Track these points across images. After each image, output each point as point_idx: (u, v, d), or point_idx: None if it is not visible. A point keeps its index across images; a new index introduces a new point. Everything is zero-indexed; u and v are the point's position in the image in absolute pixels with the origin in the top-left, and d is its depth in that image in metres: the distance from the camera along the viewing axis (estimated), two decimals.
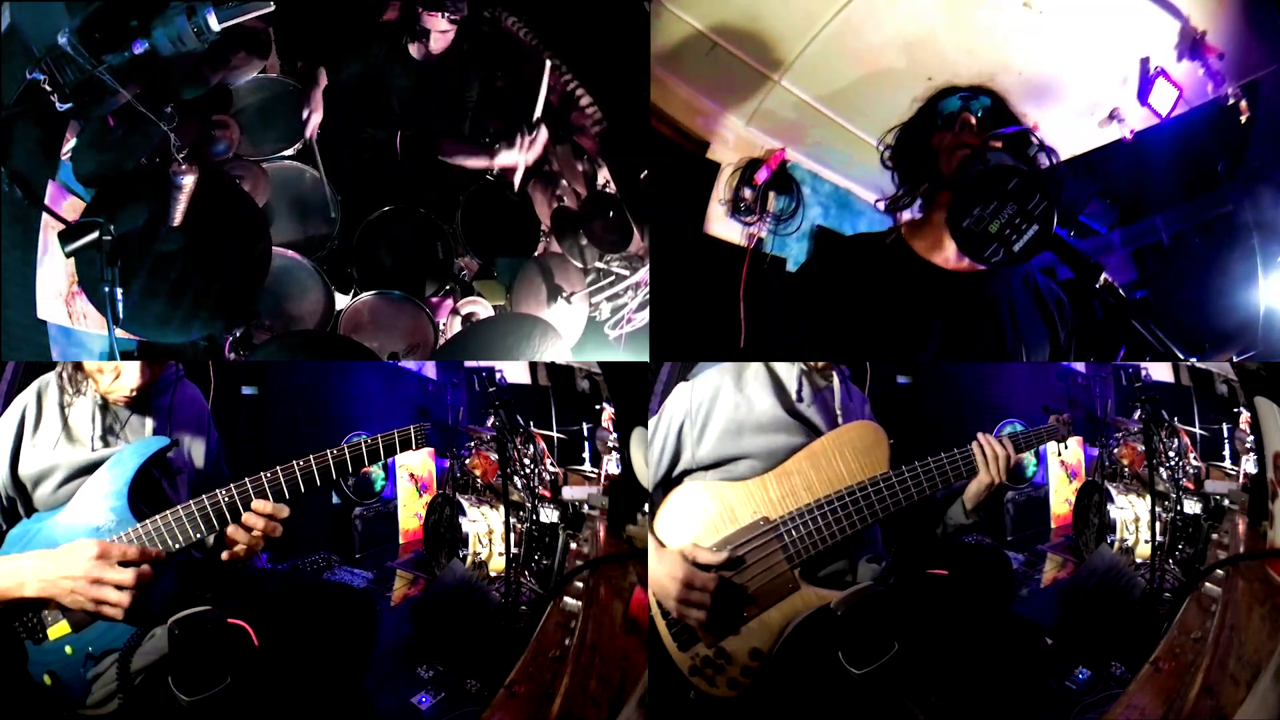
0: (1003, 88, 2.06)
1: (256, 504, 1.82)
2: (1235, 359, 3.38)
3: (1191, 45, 3.30)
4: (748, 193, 4.00)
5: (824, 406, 2.04)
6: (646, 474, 1.99)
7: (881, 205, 2.14)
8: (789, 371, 2.03)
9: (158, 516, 1.80)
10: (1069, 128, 3.66)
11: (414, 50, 3.48)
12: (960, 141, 1.95)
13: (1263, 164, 3.74)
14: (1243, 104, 3.58)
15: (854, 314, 1.97)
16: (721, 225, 4.05)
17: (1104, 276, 1.66)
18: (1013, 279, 1.99)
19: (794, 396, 2.01)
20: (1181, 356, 1.65)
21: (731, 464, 1.97)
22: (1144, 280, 4.29)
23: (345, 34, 3.53)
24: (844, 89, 3.63)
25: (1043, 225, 1.65)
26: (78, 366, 1.99)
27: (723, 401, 1.98)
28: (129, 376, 1.95)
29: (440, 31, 3.38)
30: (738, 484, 1.93)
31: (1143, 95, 3.44)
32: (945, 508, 2.09)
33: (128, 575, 1.68)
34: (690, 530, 1.91)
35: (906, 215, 2.10)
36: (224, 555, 1.85)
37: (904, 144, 2.12)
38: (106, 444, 1.95)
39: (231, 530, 1.82)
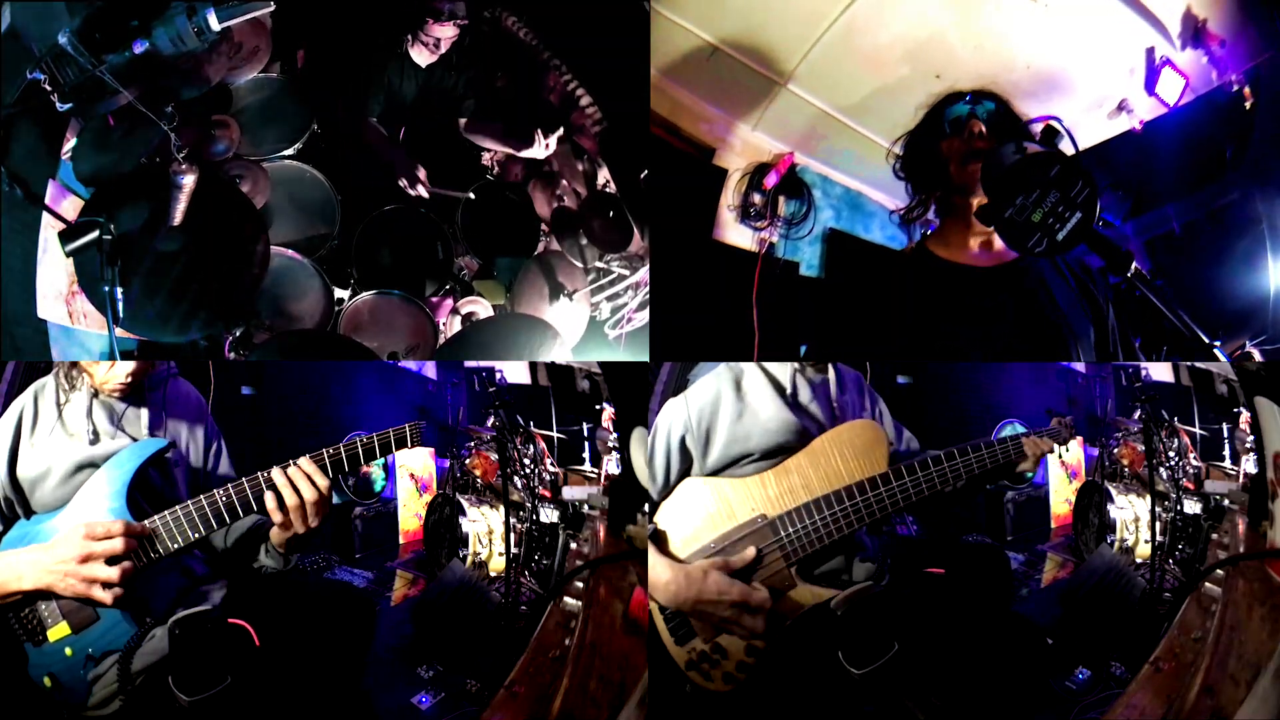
0: (1006, 90, 2.06)
1: (303, 462, 1.85)
2: (1249, 344, 3.37)
3: (1194, 34, 3.30)
4: (757, 198, 3.98)
5: (824, 399, 2.05)
6: (647, 479, 1.99)
7: (897, 217, 2.14)
8: (783, 371, 2.03)
9: (156, 517, 1.81)
10: (1079, 121, 3.65)
11: (418, 54, 3.49)
12: (971, 148, 1.95)
13: (1268, 149, 3.73)
14: (1246, 90, 3.57)
15: (882, 323, 1.96)
16: (731, 231, 4.04)
17: (1134, 265, 1.64)
18: (1043, 266, 1.97)
19: (789, 396, 2.01)
20: (1208, 340, 1.62)
21: (738, 464, 1.97)
22: (1157, 270, 4.27)
23: (347, 56, 3.54)
24: (851, 90, 3.62)
25: (1086, 212, 1.61)
26: (74, 365, 2.00)
27: (724, 409, 1.98)
28: (123, 366, 1.97)
29: (448, 37, 3.41)
30: (737, 481, 1.93)
31: (1150, 85, 3.43)
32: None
33: (116, 544, 1.71)
34: (690, 527, 1.92)
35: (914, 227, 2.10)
36: (274, 534, 1.89)
37: (913, 153, 2.12)
38: (104, 437, 1.95)
39: (269, 504, 1.83)
